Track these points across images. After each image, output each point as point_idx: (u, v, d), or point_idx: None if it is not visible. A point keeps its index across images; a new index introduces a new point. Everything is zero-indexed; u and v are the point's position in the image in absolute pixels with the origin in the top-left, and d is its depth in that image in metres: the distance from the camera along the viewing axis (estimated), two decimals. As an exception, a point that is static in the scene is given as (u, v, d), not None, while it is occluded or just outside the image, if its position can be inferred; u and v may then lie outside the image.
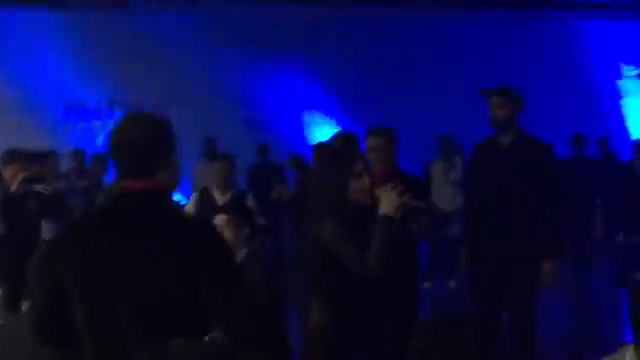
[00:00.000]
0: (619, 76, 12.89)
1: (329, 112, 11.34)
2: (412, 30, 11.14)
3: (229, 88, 10.79)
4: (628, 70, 12.96)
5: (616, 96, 12.77)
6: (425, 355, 1.91)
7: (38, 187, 5.39)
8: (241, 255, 3.64)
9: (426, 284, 7.19)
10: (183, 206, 6.07)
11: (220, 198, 5.54)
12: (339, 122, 10.73)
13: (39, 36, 10.38)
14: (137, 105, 10.32)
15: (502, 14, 11.59)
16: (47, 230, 5.33)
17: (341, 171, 3.03)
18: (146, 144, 2.08)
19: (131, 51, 10.33)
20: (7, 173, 5.47)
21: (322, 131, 10.68)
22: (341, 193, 3.00)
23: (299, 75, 11.23)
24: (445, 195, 7.49)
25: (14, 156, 5.57)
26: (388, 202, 2.97)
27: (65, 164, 8.41)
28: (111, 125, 2.19)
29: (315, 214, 3.09)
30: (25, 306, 4.63)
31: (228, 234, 3.58)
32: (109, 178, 7.46)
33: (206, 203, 5.44)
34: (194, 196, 5.81)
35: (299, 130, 11.23)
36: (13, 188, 5.24)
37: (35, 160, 5.84)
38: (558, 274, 4.12)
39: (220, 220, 3.66)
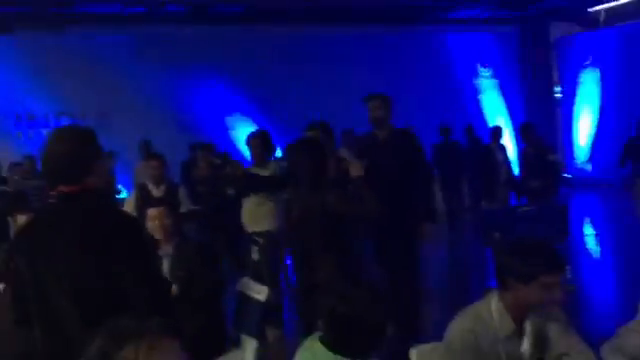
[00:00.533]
0: (477, 76, 13.41)
1: (247, 115, 11.35)
2: (305, 45, 11.26)
3: (163, 98, 10.64)
4: (484, 71, 13.49)
5: (475, 92, 13.28)
6: (332, 311, 1.94)
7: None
8: (173, 242, 3.44)
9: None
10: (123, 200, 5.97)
11: (155, 191, 5.45)
12: (256, 122, 10.75)
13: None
14: (82, 115, 10.03)
15: (386, 29, 11.83)
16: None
17: (325, 154, 3.35)
18: (71, 154, 1.98)
19: (76, 68, 9.99)
20: None
21: (241, 130, 10.71)
22: (329, 171, 3.38)
23: (221, 85, 11.17)
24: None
25: None
26: (355, 168, 3.47)
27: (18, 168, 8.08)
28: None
29: (307, 192, 3.28)
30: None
31: (161, 223, 3.41)
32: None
33: (144, 196, 5.32)
34: (134, 191, 5.72)
35: (223, 131, 11.18)
36: None
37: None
38: (432, 233, 4.47)
39: (152, 212, 3.46)
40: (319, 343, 1.97)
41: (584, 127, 13.07)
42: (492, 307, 2.14)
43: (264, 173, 4.97)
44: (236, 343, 3.35)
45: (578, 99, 13.24)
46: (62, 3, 9.59)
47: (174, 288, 3.08)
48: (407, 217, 4.34)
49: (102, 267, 1.89)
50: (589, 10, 12.60)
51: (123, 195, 7.98)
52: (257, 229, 4.97)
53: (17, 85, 9.96)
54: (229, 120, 11.42)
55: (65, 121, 10.26)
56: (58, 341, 1.92)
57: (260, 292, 3.29)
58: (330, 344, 1.94)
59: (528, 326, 2.15)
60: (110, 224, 1.97)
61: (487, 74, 13.44)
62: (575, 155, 13.30)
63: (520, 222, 5.48)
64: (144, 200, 4.98)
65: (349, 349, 1.92)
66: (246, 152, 5.55)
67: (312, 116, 5.42)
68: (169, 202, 3.96)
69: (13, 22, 9.69)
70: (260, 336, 3.25)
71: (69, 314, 1.89)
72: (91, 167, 1.99)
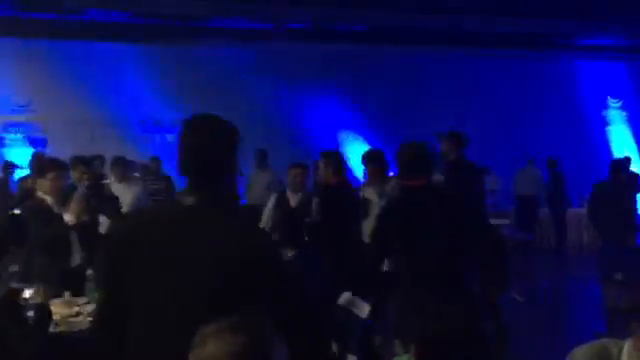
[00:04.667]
0: (606, 107, 12.75)
1: (359, 131, 11.45)
2: (424, 66, 11.19)
3: (278, 111, 10.98)
4: (613, 102, 12.80)
5: (603, 124, 12.63)
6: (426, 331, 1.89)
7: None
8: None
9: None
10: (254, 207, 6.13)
11: (293, 199, 5.55)
12: (368, 140, 10.83)
13: (123, 64, 10.64)
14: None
15: (509, 54, 11.57)
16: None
17: None
18: (219, 148, 1.85)
19: (200, 79, 10.52)
20: (75, 174, 5.69)
21: (354, 147, 10.80)
22: None
23: (334, 101, 11.36)
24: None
25: (77, 161, 5.85)
26: None
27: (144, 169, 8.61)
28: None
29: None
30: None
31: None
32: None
33: (282, 204, 5.45)
34: (272, 198, 5.78)
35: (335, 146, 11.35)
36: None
37: (90, 163, 6.14)
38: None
39: None
40: None
41: None
42: (624, 350, 2.01)
43: (377, 192, 4.98)
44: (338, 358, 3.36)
45: None
46: (191, 17, 10.17)
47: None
48: None
49: (235, 278, 1.74)
50: None
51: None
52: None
53: (145, 92, 10.65)
54: (341, 136, 11.57)
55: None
56: (161, 339, 1.75)
57: (362, 309, 3.28)
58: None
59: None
60: (247, 232, 1.85)
61: (616, 105, 12.74)
62: None
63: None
64: (282, 207, 5.13)
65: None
66: (358, 169, 5.58)
67: (424, 136, 5.35)
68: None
69: (146, 33, 10.36)
70: (362, 353, 3.23)
71: (182, 317, 1.72)
72: (232, 165, 1.92)
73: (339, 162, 5.26)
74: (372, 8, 9.97)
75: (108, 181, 6.68)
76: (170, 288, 1.77)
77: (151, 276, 1.79)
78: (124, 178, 6.94)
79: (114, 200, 6.11)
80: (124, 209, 6.26)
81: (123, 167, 7.00)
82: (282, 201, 5.56)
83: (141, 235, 1.85)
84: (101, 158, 7.58)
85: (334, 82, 11.13)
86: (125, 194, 6.60)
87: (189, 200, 1.85)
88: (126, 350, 1.80)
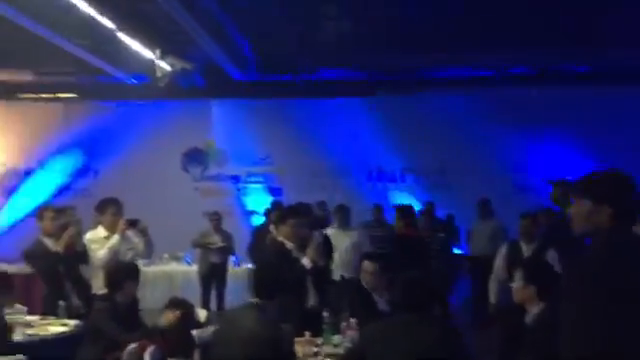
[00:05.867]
0: None
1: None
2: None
3: (501, 158, 10.72)
4: None
5: None
6: None
7: None
8: (536, 310, 3.26)
9: None
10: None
11: (526, 249, 5.51)
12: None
13: (351, 117, 11.30)
14: (424, 172, 10.74)
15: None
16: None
17: None
18: None
19: (424, 128, 10.76)
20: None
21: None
22: None
23: (563, 145, 10.76)
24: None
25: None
26: None
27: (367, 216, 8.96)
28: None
29: None
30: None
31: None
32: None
33: (514, 253, 5.44)
34: (503, 248, 5.79)
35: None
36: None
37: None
38: None
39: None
40: None
41: None
42: None
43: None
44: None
45: None
46: (416, 69, 10.52)
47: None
48: None
49: None
50: None
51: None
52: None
53: (371, 142, 11.16)
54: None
55: (409, 177, 11.13)
56: None
57: None
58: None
59: None
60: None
61: None
62: None
63: None
64: (514, 258, 5.11)
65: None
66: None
67: None
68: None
69: (375, 87, 10.94)
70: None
71: None
72: None
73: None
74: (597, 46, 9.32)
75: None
76: None
77: None
78: (344, 225, 7.35)
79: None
80: (342, 254, 6.74)
81: (344, 214, 7.43)
82: (514, 251, 5.45)
83: None
84: (323, 204, 8.48)
85: (558, 127, 10.57)
86: (344, 240, 7.03)
87: None
88: None
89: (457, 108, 10.76)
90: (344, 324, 4.19)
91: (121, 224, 5.26)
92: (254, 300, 3.53)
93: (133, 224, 5.32)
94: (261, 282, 3.60)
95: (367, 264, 4.56)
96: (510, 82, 10.53)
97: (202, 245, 8.82)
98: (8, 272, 5.00)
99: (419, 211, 8.14)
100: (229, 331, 3.41)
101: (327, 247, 5.76)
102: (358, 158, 11.31)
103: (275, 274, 3.74)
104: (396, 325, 3.15)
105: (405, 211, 7.13)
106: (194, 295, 8.22)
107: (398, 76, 10.67)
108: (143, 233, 5.43)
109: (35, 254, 5.44)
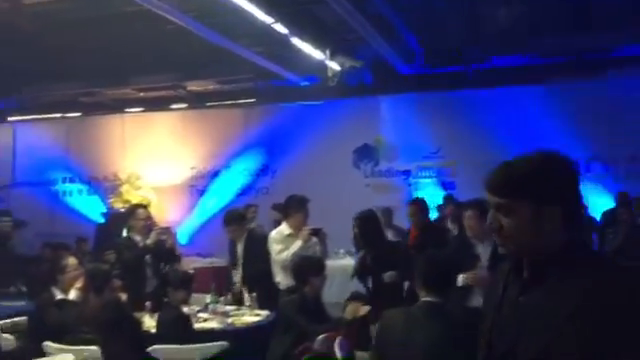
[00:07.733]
0: None
1: None
2: None
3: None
4: None
5: None
6: None
7: None
8: None
9: None
10: None
11: None
12: None
13: (522, 106, 10.72)
14: (612, 160, 9.91)
15: None
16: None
17: None
18: None
19: (607, 113, 9.96)
20: None
21: None
22: None
23: None
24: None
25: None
26: None
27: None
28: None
29: None
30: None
31: None
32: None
33: None
34: None
35: None
36: None
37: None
38: None
39: None
40: None
41: None
42: None
43: None
44: None
45: None
46: (602, 50, 9.74)
47: None
48: None
49: None
50: None
51: None
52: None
53: (549, 131, 10.44)
54: None
55: (596, 166, 10.30)
56: None
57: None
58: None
59: None
60: None
61: None
62: None
63: None
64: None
65: None
66: None
67: None
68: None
69: (552, 72, 10.29)
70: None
71: None
72: None
73: None
74: None
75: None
76: None
77: None
78: None
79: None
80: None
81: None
82: None
83: None
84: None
85: None
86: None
87: None
88: None
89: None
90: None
91: (305, 232, 5.51)
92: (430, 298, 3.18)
93: (315, 233, 5.58)
94: (440, 277, 3.49)
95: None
96: None
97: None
98: (190, 270, 5.52)
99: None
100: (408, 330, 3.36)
101: None
102: (534, 149, 10.66)
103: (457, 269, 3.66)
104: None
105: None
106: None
107: (569, 60, 9.94)
108: (321, 240, 5.70)
109: None
